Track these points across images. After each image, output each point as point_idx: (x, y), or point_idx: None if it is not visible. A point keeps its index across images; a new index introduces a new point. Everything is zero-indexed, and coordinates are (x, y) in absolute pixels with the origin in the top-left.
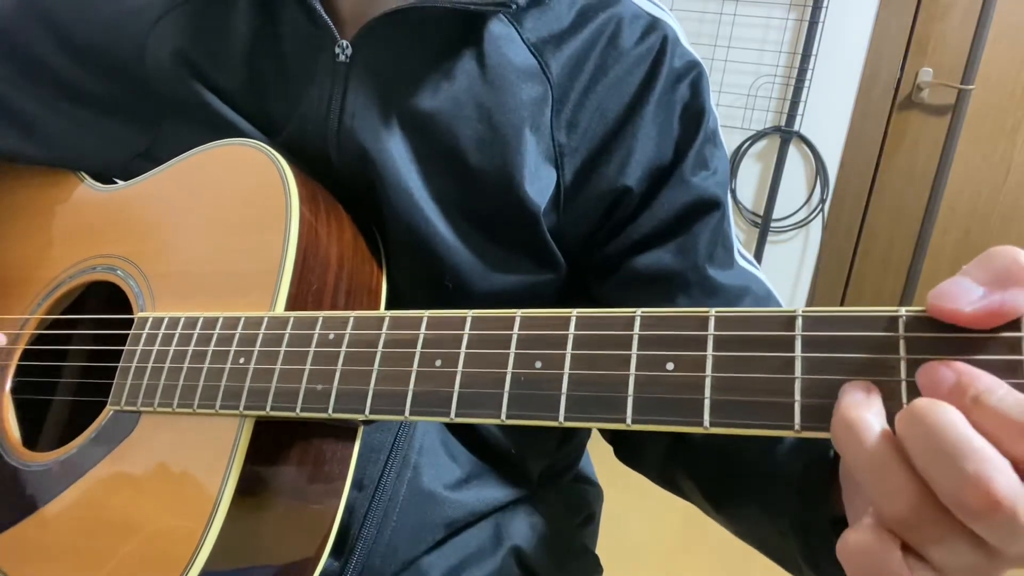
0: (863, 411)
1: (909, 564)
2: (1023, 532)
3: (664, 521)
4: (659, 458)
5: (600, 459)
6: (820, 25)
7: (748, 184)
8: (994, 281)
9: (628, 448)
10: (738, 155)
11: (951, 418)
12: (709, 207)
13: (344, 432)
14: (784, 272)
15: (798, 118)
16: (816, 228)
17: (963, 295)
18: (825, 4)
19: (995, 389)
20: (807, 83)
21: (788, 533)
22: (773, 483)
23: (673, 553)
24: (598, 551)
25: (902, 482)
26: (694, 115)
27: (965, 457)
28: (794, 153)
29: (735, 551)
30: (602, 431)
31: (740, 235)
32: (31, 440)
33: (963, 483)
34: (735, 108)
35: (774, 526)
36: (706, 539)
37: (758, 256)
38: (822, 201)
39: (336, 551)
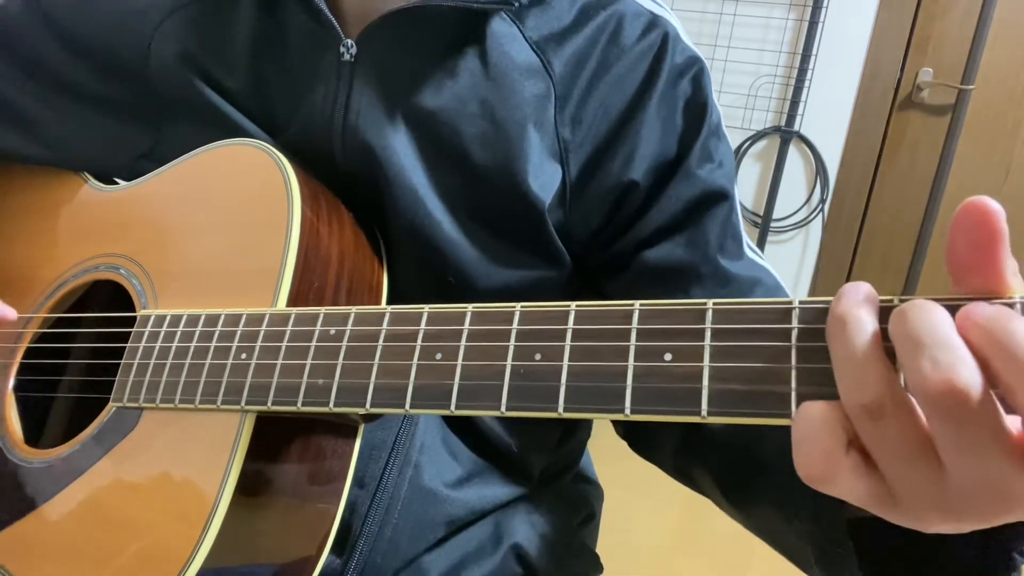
0: (859, 310)
1: (855, 460)
2: (971, 434)
3: (664, 521)
4: (673, 450)
5: (600, 458)
6: (820, 25)
7: (748, 184)
8: None
9: (643, 440)
10: (738, 155)
11: (939, 317)
12: (717, 199)
13: (345, 430)
14: (784, 272)
15: (798, 118)
16: (816, 228)
17: None
18: (825, 4)
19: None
20: (807, 83)
21: (803, 535)
22: (791, 485)
23: (673, 553)
24: (598, 550)
25: (877, 376)
26: (697, 110)
27: (939, 347)
28: (794, 153)
29: (734, 551)
30: (616, 424)
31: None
32: (33, 437)
33: (932, 368)
34: (735, 108)
35: (790, 527)
36: (705, 539)
37: None
38: (822, 201)
39: (337, 548)
